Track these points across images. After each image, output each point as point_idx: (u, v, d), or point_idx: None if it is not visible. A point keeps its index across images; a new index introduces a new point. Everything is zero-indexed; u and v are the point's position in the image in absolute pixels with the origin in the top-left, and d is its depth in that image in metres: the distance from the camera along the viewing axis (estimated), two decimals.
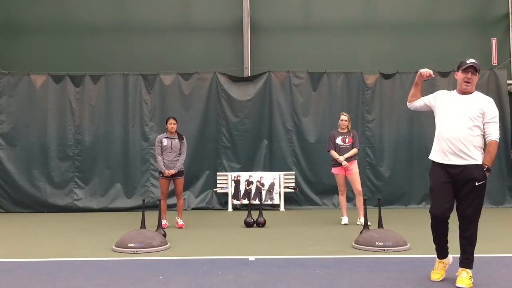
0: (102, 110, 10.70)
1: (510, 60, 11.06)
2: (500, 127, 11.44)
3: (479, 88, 11.44)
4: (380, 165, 10.64)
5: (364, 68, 10.81)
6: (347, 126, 8.08)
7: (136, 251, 5.65)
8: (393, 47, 11.16)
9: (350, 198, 9.51)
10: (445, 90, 4.44)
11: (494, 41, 11.15)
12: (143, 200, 6.72)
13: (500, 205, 10.50)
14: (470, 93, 4.19)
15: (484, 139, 4.11)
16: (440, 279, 4.25)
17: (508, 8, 11.21)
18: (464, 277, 4.07)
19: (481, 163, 4.03)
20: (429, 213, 4.19)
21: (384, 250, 5.57)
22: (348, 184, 8.20)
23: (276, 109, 10.77)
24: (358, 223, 7.84)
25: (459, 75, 4.17)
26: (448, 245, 4.30)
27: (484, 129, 4.07)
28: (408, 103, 4.61)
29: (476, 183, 3.98)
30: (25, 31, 11.20)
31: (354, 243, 5.94)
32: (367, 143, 10.65)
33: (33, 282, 4.38)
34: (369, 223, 6.56)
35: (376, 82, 10.80)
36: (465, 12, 11.28)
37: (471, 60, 4.12)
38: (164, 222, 7.65)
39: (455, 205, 4.16)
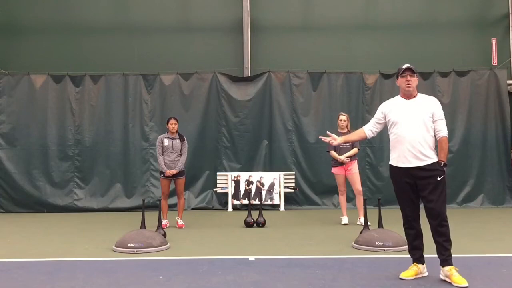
0: (102, 110, 10.70)
1: (510, 60, 11.05)
2: (500, 127, 11.44)
3: (479, 88, 11.41)
4: (380, 165, 10.62)
5: (364, 68, 10.81)
6: (347, 126, 8.07)
7: (136, 251, 5.65)
8: (393, 47, 11.14)
9: (350, 198, 9.51)
10: (387, 101, 4.73)
11: (494, 41, 11.14)
12: (143, 200, 6.73)
13: (500, 205, 10.48)
14: (414, 96, 4.45)
15: (435, 137, 4.33)
16: (406, 277, 4.28)
17: (508, 8, 11.19)
18: (458, 275, 4.08)
19: (436, 160, 4.24)
20: (402, 215, 4.41)
21: (384, 250, 5.58)
22: (348, 184, 8.20)
23: (276, 109, 10.77)
24: (358, 223, 7.84)
25: (400, 81, 4.49)
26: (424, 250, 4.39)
27: (434, 127, 4.30)
28: (369, 138, 5.03)
29: (438, 178, 4.18)
30: (25, 31, 11.19)
31: (354, 243, 5.94)
32: (367, 143, 10.63)
33: (33, 282, 4.38)
34: (369, 223, 6.57)
35: (376, 82, 10.79)
36: (465, 12, 11.26)
37: (407, 65, 4.44)
38: (164, 222, 7.67)
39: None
